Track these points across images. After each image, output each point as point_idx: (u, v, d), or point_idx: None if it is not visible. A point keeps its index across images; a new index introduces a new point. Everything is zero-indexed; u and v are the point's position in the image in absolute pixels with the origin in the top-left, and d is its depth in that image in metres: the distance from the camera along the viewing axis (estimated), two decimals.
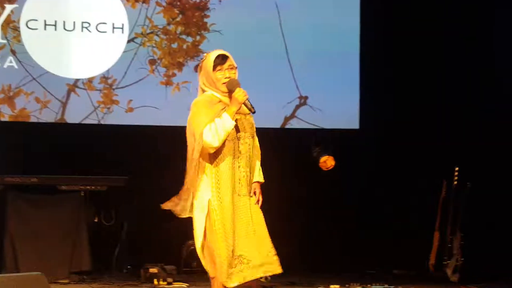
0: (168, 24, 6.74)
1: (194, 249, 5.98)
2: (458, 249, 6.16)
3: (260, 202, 3.95)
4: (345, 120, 6.60)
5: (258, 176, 3.97)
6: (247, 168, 3.87)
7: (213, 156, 3.81)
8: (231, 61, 3.88)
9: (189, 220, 6.11)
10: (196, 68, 6.03)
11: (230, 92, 3.81)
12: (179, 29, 6.72)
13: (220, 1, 6.76)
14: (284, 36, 6.72)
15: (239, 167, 3.83)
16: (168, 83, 6.67)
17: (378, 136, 6.81)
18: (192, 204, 3.87)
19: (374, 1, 6.79)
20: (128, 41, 6.69)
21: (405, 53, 6.82)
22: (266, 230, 3.90)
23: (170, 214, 6.07)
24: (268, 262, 3.85)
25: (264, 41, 6.69)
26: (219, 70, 3.84)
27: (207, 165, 3.83)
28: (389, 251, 6.50)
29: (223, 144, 3.79)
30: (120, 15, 6.61)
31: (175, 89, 6.68)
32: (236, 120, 3.82)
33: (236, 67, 3.88)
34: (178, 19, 6.73)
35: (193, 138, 3.78)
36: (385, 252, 6.51)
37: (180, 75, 6.70)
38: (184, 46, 6.70)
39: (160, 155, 6.52)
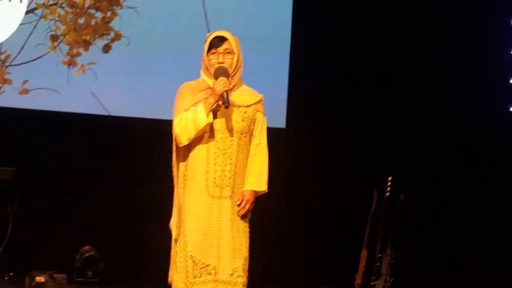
0: None
1: (90, 257, 5.94)
2: (387, 268, 5.96)
3: (242, 211, 3.76)
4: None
5: (254, 183, 3.78)
6: (225, 166, 3.70)
7: (186, 148, 3.71)
8: (229, 44, 3.73)
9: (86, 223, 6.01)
10: (106, 48, 6.11)
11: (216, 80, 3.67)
12: (88, 2, 6.41)
13: None
14: (207, 19, 6.47)
15: (215, 164, 3.69)
16: (71, 63, 6.38)
17: (304, 137, 6.64)
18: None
19: None
20: (27, 12, 6.37)
21: (340, 50, 6.70)
22: (243, 243, 3.76)
23: (64, 214, 6.05)
24: (230, 282, 3.73)
25: (185, 23, 6.43)
26: (214, 53, 3.72)
27: (181, 158, 3.75)
28: (315, 267, 6.42)
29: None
30: None
31: (79, 70, 6.38)
32: (220, 110, 3.66)
33: (235, 53, 3.72)
34: None
35: (172, 128, 3.69)
36: (311, 268, 6.43)
37: (86, 55, 6.39)
38: (92, 22, 6.41)
39: (56, 145, 6.29)
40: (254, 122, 3.82)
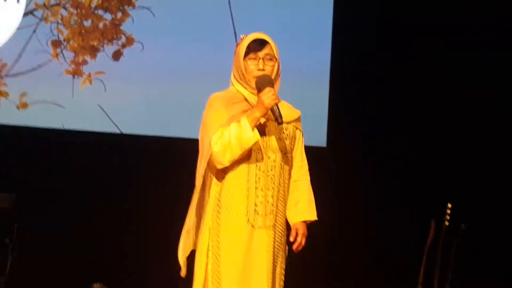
0: None
1: None
2: None
3: (299, 247, 3.78)
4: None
5: (306, 213, 3.83)
6: (268, 191, 3.68)
7: (221, 169, 3.66)
8: (271, 49, 3.68)
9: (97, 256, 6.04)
10: (116, 55, 6.22)
11: (258, 91, 3.61)
12: (95, 1, 6.40)
13: None
14: (233, 20, 6.46)
15: (256, 188, 3.66)
16: (76, 72, 6.36)
17: (348, 157, 6.65)
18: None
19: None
20: (25, 14, 6.35)
21: (388, 61, 6.74)
22: (280, 281, 3.77)
23: (70, 246, 6.07)
24: None
25: (209, 25, 6.41)
26: (252, 58, 3.66)
27: (214, 180, 3.70)
28: None
29: None
30: None
31: (86, 81, 6.35)
32: (260, 126, 3.64)
33: (277, 59, 3.68)
34: None
35: (202, 144, 3.67)
36: None
37: (93, 63, 6.36)
38: (101, 25, 6.38)
39: (59, 167, 6.27)
40: (295, 141, 3.82)
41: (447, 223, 5.82)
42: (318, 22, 6.57)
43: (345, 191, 6.59)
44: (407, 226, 6.43)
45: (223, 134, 3.57)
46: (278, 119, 3.56)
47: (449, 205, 5.84)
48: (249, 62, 3.67)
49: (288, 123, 3.74)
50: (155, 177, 6.21)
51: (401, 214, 6.53)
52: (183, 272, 3.73)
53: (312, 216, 3.84)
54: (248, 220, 3.65)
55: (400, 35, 6.65)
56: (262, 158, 3.67)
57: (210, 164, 3.64)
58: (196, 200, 3.69)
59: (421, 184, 6.57)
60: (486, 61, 6.62)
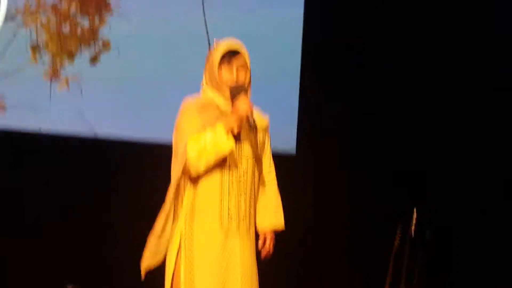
0: (60, 0, 6.35)
1: None
2: None
3: (267, 254, 3.81)
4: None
5: (274, 220, 3.85)
6: (241, 197, 3.67)
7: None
8: (244, 58, 3.68)
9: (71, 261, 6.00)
10: (93, 60, 6.12)
11: (233, 100, 3.60)
12: (73, 7, 6.35)
13: None
14: (206, 25, 6.38)
15: (229, 193, 3.65)
16: (54, 75, 6.32)
17: (316, 164, 6.57)
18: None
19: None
20: (5, 19, 6.29)
21: (358, 66, 6.59)
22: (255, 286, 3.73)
23: (45, 250, 6.03)
24: None
25: (184, 32, 6.36)
26: (226, 68, 3.65)
27: (188, 184, 3.65)
28: None
29: None
30: None
31: (63, 84, 6.31)
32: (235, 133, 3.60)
33: (248, 69, 3.69)
34: None
35: (176, 149, 3.62)
36: None
37: (71, 67, 6.32)
38: (78, 31, 6.33)
39: (36, 171, 6.22)
40: (263, 147, 3.82)
41: (413, 228, 5.81)
42: (288, 25, 6.48)
43: (313, 198, 6.53)
44: (374, 233, 6.36)
45: (199, 139, 3.54)
46: (252, 127, 3.60)
47: (415, 210, 5.83)
48: (223, 70, 3.65)
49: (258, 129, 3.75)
50: (132, 181, 6.13)
51: (368, 221, 6.46)
52: (142, 277, 3.72)
53: (280, 224, 3.85)
54: (222, 224, 3.64)
55: (369, 37, 6.55)
56: (236, 165, 3.65)
57: (184, 170, 3.59)
58: (169, 204, 3.64)
59: (388, 190, 6.49)
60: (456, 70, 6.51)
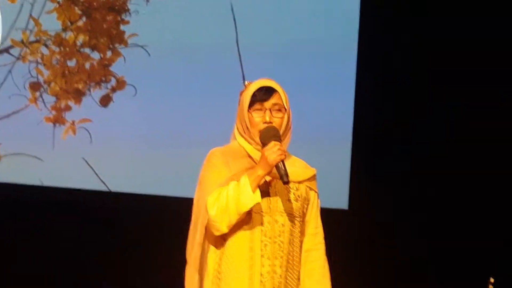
0: (64, 29, 6.31)
1: None
2: None
3: None
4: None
5: (318, 286, 3.67)
6: (276, 260, 3.49)
7: (220, 235, 3.55)
8: (279, 98, 3.52)
9: None
10: (104, 100, 6.17)
11: (263, 146, 3.49)
12: (81, 38, 6.30)
13: (147, 0, 6.34)
14: (242, 63, 6.22)
15: (262, 256, 3.48)
16: (58, 120, 6.25)
17: (373, 220, 6.41)
18: None
19: None
20: (0, 52, 6.34)
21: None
22: None
23: None
24: None
25: (213, 69, 6.21)
26: (258, 109, 3.52)
27: (211, 248, 3.54)
28: None
29: None
30: None
31: (69, 130, 6.22)
32: (265, 185, 3.50)
33: (286, 109, 3.54)
34: (80, 23, 6.34)
35: (197, 206, 3.55)
36: None
37: (78, 109, 6.26)
38: (87, 66, 6.27)
39: (38, 229, 6.10)
40: (308, 204, 3.62)
41: None
42: (340, 71, 6.43)
43: (367, 260, 6.41)
44: None
45: (220, 194, 3.43)
46: (284, 178, 3.40)
47: (492, 280, 5.63)
48: (254, 113, 3.52)
49: (299, 182, 3.57)
50: (146, 239, 6.18)
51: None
52: None
53: None
54: None
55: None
56: (269, 222, 3.51)
57: (207, 230, 3.49)
58: (195, 272, 3.53)
59: (454, 257, 6.34)
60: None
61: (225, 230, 3.45)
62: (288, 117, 3.58)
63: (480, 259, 6.38)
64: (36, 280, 6.16)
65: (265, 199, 3.49)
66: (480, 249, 6.47)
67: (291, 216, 3.56)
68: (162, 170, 6.18)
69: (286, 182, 3.42)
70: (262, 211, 3.51)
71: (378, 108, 6.70)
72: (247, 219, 3.49)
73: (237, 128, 3.62)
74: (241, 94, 3.62)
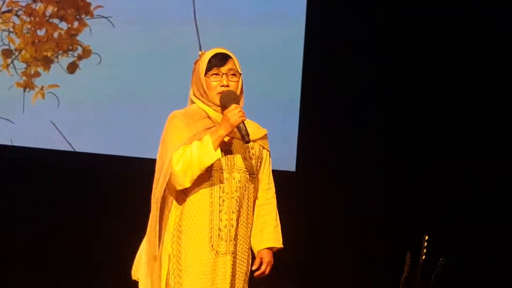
0: (35, 1, 6.35)
1: None
2: None
3: (262, 275, 3.77)
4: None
5: (272, 239, 3.79)
6: (233, 214, 3.62)
7: (181, 190, 3.61)
8: (234, 64, 3.66)
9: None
10: (71, 67, 6.25)
11: (223, 108, 3.59)
12: (50, 9, 6.35)
13: None
14: (199, 33, 6.39)
15: (220, 211, 3.60)
16: (28, 85, 6.31)
17: (319, 182, 6.60)
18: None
19: None
20: None
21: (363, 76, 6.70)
22: None
23: (16, 270, 6.10)
24: None
25: (172, 38, 6.35)
26: (215, 74, 3.63)
27: (174, 203, 3.64)
28: None
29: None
30: None
31: (38, 94, 6.29)
32: (224, 144, 3.59)
33: (240, 74, 3.67)
34: None
35: (161, 163, 3.61)
36: None
37: (47, 75, 6.31)
38: (55, 35, 6.32)
39: (7, 187, 6.23)
40: (261, 161, 3.76)
41: (423, 256, 5.74)
42: (290, 42, 6.53)
43: (314, 218, 6.54)
44: (382, 259, 6.41)
45: (184, 152, 3.52)
46: (245, 137, 3.52)
47: (426, 237, 5.73)
48: (211, 78, 3.63)
49: (254, 141, 3.68)
50: (110, 198, 6.15)
51: (375, 246, 6.50)
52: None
53: (278, 243, 3.78)
54: (212, 246, 3.60)
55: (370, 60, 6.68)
56: (226, 179, 3.61)
57: (169, 186, 3.58)
58: (156, 223, 3.61)
59: (396, 215, 6.53)
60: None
61: (187, 184, 3.53)
62: (242, 82, 3.68)
63: (419, 218, 6.38)
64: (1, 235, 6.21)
65: (224, 157, 3.59)
66: (419, 209, 6.50)
67: (247, 173, 3.66)
68: (124, 132, 6.23)
69: (247, 141, 3.54)
70: (221, 169, 3.60)
71: (324, 76, 6.69)
72: (208, 176, 3.59)
73: (194, 93, 3.71)
74: (195, 63, 3.70)
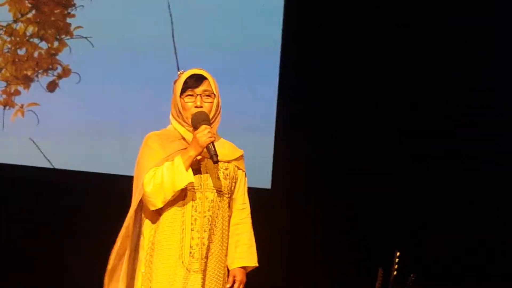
0: (15, 21, 6.35)
1: None
2: None
3: None
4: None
5: (245, 258, 3.79)
6: (205, 233, 3.63)
7: (155, 210, 3.63)
8: (208, 85, 3.67)
9: None
10: (51, 86, 6.21)
11: (194, 129, 3.60)
12: (30, 29, 6.35)
13: None
14: (177, 53, 6.42)
15: (192, 230, 3.62)
16: (7, 103, 6.29)
17: (292, 200, 6.61)
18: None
19: None
20: None
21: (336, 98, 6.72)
22: None
23: None
24: None
25: (151, 59, 6.36)
26: (189, 95, 3.65)
27: (146, 221, 3.66)
28: None
29: None
30: None
31: (18, 112, 6.28)
32: (197, 164, 3.61)
33: (215, 95, 3.67)
34: (29, 15, 6.35)
35: (136, 184, 3.64)
36: None
37: (27, 94, 6.31)
38: (36, 54, 6.33)
39: None
40: (236, 182, 3.76)
41: (395, 272, 5.70)
42: (265, 60, 6.56)
43: (290, 235, 6.54)
44: (354, 275, 6.37)
45: (155, 173, 3.54)
46: (213, 157, 3.53)
47: (398, 253, 5.71)
48: (186, 99, 3.65)
49: (228, 162, 3.71)
50: (90, 214, 6.11)
51: (347, 263, 6.47)
52: None
53: (252, 262, 3.78)
54: (183, 263, 3.61)
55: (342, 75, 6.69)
56: (199, 198, 3.63)
57: (144, 205, 3.61)
58: (128, 244, 3.64)
59: (369, 231, 6.53)
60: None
61: (160, 205, 3.55)
62: (218, 102, 3.68)
63: (391, 234, 6.42)
64: None
65: (197, 176, 3.60)
66: (391, 225, 6.51)
67: (220, 193, 3.67)
68: (102, 150, 6.18)
69: (216, 162, 3.54)
70: (194, 188, 3.61)
71: (299, 99, 6.69)
72: (181, 196, 3.59)
73: (172, 113, 3.70)
74: (174, 83, 3.70)
